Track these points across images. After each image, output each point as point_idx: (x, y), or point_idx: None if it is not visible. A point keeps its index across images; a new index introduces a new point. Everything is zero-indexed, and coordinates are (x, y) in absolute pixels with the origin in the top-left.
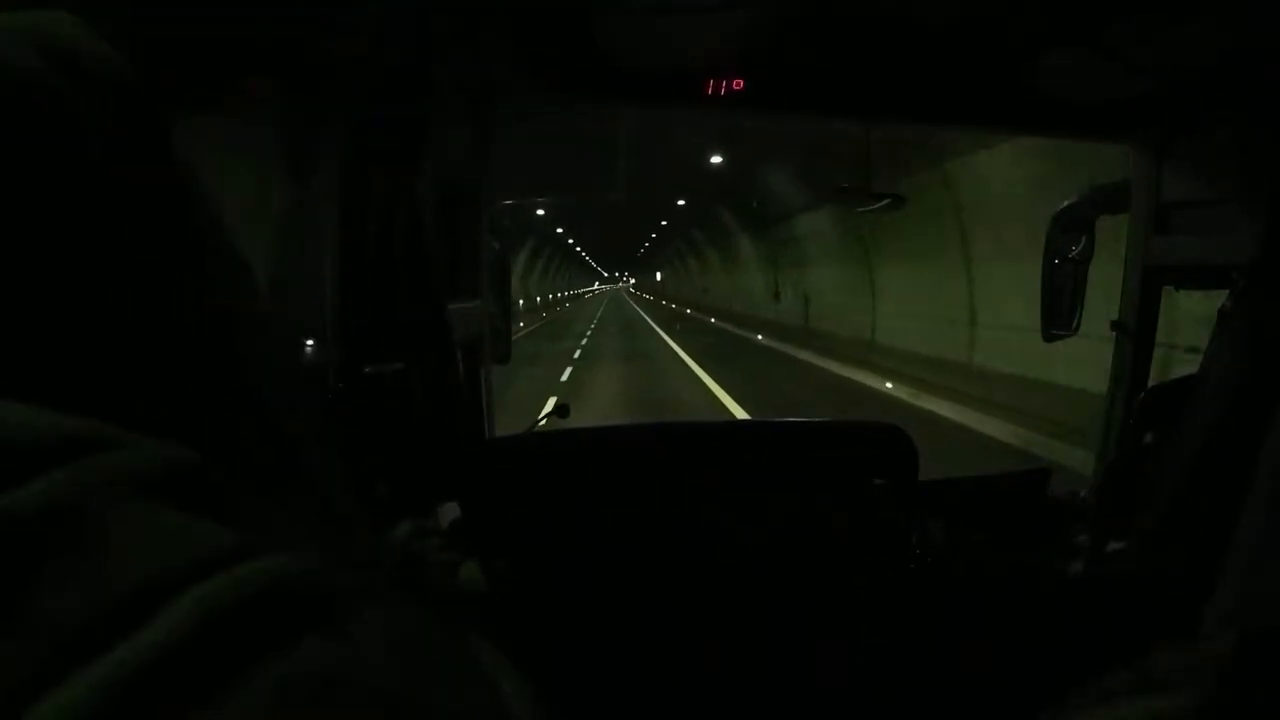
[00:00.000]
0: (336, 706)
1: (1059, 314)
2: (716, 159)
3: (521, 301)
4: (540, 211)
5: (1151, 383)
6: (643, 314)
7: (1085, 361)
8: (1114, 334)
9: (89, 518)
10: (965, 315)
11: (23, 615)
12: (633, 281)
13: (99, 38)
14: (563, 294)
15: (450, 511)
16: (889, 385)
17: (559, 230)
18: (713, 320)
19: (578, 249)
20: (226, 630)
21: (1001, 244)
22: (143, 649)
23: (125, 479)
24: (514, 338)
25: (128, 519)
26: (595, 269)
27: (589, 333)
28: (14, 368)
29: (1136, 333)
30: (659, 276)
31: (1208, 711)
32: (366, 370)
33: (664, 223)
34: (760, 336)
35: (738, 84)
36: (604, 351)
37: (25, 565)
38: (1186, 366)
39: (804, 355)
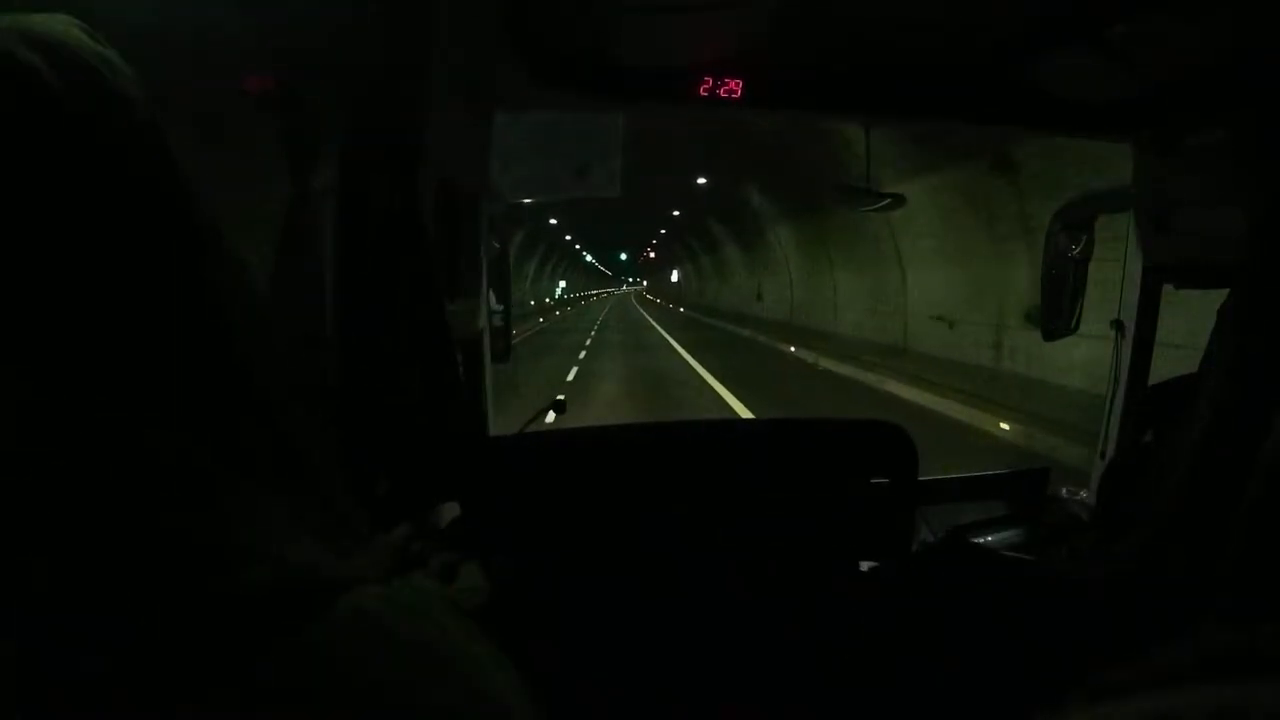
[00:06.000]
0: (338, 699)
1: (1058, 313)
2: None
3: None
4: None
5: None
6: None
7: None
8: (1114, 333)
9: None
10: None
11: None
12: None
13: (102, 41)
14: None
15: (450, 511)
16: None
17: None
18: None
19: (572, 240)
20: (232, 622)
21: None
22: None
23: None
24: None
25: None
26: (596, 267)
27: None
28: (16, 363)
29: (1136, 332)
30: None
31: (1208, 711)
32: (366, 369)
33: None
34: None
35: (736, 82)
36: None
37: None
38: None
39: None
